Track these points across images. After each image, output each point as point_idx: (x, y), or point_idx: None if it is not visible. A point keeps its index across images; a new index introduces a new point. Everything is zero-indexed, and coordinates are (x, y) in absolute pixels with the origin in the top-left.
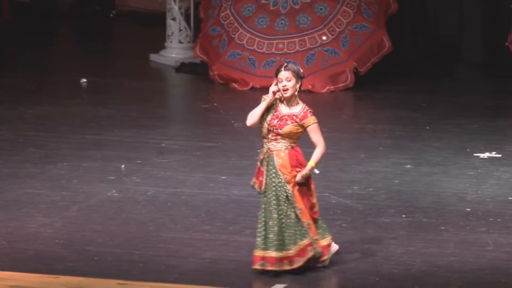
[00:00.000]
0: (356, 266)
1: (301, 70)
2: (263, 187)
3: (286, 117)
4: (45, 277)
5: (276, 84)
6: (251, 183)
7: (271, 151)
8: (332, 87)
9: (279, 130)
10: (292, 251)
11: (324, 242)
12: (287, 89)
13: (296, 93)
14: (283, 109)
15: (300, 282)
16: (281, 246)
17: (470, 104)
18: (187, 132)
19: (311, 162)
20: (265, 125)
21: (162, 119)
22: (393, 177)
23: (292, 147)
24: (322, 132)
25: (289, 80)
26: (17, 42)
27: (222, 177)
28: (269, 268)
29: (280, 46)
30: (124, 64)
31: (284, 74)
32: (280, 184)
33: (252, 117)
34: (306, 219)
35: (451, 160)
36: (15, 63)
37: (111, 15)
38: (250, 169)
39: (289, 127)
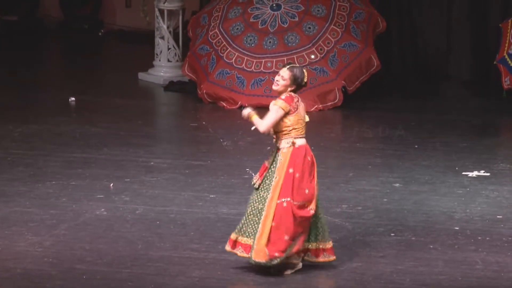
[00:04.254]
0: (345, 285)
1: (304, 80)
2: (260, 181)
3: None
4: None
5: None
6: (253, 180)
7: (278, 149)
8: (320, 105)
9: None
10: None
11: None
12: (277, 85)
13: (287, 93)
14: None
15: None
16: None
17: (458, 122)
18: (175, 151)
19: (254, 116)
20: None
21: (150, 137)
22: (381, 196)
23: (294, 144)
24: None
25: (283, 80)
26: (4, 59)
27: (211, 196)
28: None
29: (269, 64)
30: (112, 82)
31: (283, 71)
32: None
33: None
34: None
35: (440, 179)
36: (2, 81)
37: (100, 34)
38: (239, 187)
39: None
